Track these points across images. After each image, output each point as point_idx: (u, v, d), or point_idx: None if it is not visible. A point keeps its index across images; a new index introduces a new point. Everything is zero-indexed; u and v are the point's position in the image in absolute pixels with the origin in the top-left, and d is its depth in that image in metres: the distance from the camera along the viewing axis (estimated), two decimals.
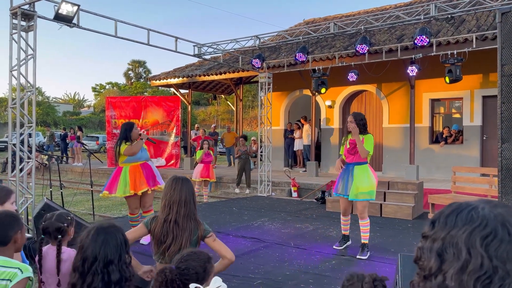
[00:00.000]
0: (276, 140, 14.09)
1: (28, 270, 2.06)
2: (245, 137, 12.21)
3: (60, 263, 2.44)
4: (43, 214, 4.75)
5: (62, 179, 8.89)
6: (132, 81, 50.68)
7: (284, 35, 10.24)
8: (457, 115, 12.42)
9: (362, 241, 5.29)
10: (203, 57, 10.43)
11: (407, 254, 2.56)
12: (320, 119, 14.09)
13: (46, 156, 14.37)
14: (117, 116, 15.65)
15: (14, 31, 5.94)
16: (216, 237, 2.74)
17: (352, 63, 10.43)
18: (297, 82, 13.24)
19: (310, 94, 12.64)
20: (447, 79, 8.89)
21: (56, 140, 20.28)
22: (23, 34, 6.02)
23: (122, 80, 52.91)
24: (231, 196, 11.25)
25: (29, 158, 6.12)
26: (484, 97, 10.99)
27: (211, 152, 10.27)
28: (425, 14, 7.92)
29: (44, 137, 23.38)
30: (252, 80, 16.03)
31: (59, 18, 6.35)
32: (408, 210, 7.63)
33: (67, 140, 18.43)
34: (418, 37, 8.02)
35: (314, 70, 10.73)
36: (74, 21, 6.59)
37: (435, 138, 11.93)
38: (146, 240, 5.35)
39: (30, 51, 6.04)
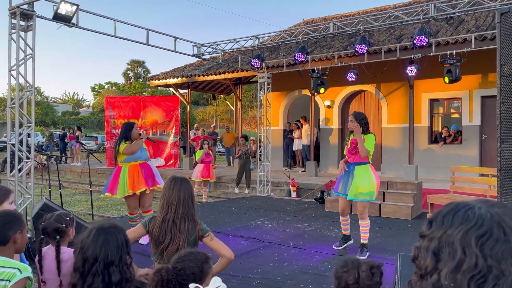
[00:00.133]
0: (275, 140, 14.09)
1: (27, 270, 2.06)
2: (246, 137, 12.21)
3: (59, 264, 2.44)
4: (42, 214, 4.74)
5: (61, 179, 8.89)
6: (131, 81, 50.64)
7: (283, 35, 10.24)
8: (456, 115, 12.43)
9: (362, 241, 5.28)
10: (202, 57, 10.42)
11: (406, 254, 2.57)
12: (319, 119, 14.09)
13: (45, 156, 14.35)
14: (116, 116, 15.64)
15: (13, 31, 5.93)
16: (214, 236, 2.74)
17: (351, 63, 10.43)
18: (296, 82, 13.25)
19: (309, 94, 12.65)
20: (447, 79, 8.90)
21: (55, 140, 20.25)
22: (22, 34, 6.01)
23: (121, 80, 52.94)
24: (230, 196, 11.25)
25: (28, 158, 6.12)
26: (483, 97, 11.00)
27: (210, 152, 10.28)
28: (424, 14, 7.93)
29: (43, 137, 23.35)
30: (251, 80, 16.03)
31: (58, 18, 6.35)
32: (407, 210, 7.64)
33: (66, 140, 18.41)
34: (417, 37, 8.03)
35: (313, 70, 10.73)
36: (73, 21, 6.58)
37: (434, 138, 11.94)
38: (145, 240, 5.35)
39: (29, 51, 6.03)
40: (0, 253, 2.10)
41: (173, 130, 15.56)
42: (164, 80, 15.01)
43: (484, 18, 10.71)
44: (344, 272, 1.81)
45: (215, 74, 13.57)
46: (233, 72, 13.11)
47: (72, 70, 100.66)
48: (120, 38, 7.69)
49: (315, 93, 12.06)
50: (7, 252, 2.14)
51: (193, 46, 9.92)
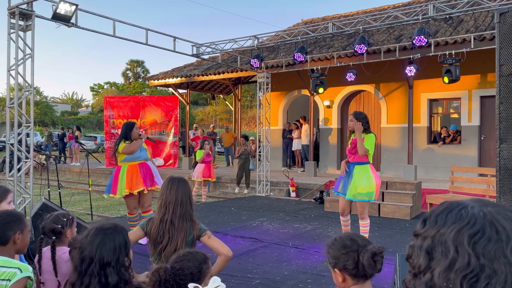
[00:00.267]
0: (275, 140, 14.10)
1: (28, 270, 2.06)
2: (246, 137, 12.21)
3: (55, 264, 2.43)
4: (41, 214, 4.74)
5: (60, 179, 8.88)
6: (131, 81, 50.61)
7: (282, 35, 10.24)
8: (455, 115, 12.44)
9: None
10: (201, 57, 10.42)
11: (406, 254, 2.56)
12: (318, 119, 14.10)
13: (44, 156, 14.34)
14: (115, 116, 15.63)
15: (12, 30, 5.92)
16: (211, 234, 2.73)
17: (351, 63, 10.44)
18: (295, 82, 13.25)
19: (309, 94, 12.65)
20: (446, 79, 8.90)
21: (54, 140, 20.22)
22: (21, 33, 6.01)
23: (120, 80, 52.90)
24: (230, 196, 11.25)
25: (27, 158, 6.11)
26: (482, 97, 11.01)
27: (210, 151, 10.29)
28: (424, 14, 7.93)
29: (42, 137, 23.34)
30: (250, 80, 16.03)
31: (57, 17, 6.34)
32: (406, 210, 7.65)
33: (65, 140, 18.40)
34: (416, 37, 8.03)
35: (312, 70, 10.73)
36: (72, 20, 6.58)
37: (433, 138, 11.95)
38: (144, 240, 5.34)
39: (28, 51, 6.03)
40: (1, 253, 2.10)
41: (172, 130, 15.56)
42: (163, 80, 15.00)
43: (483, 18, 10.72)
44: (343, 254, 1.71)
45: (214, 74, 13.57)
46: (232, 72, 13.11)
47: (71, 70, 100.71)
48: (120, 38, 7.69)
49: (314, 93, 12.06)
50: (7, 252, 2.13)
51: (192, 46, 9.92)
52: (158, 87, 24.62)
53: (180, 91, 16.04)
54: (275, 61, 11.84)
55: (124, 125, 5.77)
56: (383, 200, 8.00)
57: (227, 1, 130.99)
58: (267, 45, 10.86)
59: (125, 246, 1.81)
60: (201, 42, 10.01)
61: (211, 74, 13.66)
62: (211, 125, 19.98)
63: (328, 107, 13.49)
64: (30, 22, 6.00)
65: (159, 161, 15.06)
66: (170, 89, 16.93)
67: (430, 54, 9.30)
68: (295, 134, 14.06)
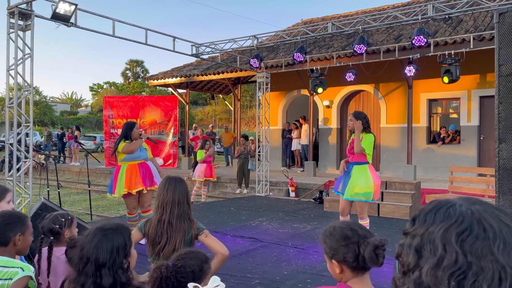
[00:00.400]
0: (274, 140, 14.10)
1: (29, 269, 2.06)
2: (245, 137, 12.22)
3: (50, 265, 2.42)
4: (40, 214, 4.73)
5: (60, 179, 8.87)
6: (130, 80, 50.58)
7: (282, 35, 10.24)
8: (455, 115, 12.46)
9: None
10: (201, 56, 10.42)
11: None
12: (318, 119, 14.10)
13: (43, 156, 14.33)
14: (114, 116, 15.62)
15: (11, 30, 5.92)
16: (209, 233, 2.73)
17: (350, 63, 10.44)
18: (295, 82, 13.25)
19: (308, 94, 12.65)
20: (446, 79, 8.90)
21: (53, 139, 20.21)
22: (20, 33, 6.00)
23: (119, 80, 52.86)
24: (229, 196, 11.25)
25: (26, 157, 6.11)
26: (481, 97, 11.02)
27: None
28: (423, 14, 7.94)
29: (41, 137, 23.32)
30: (250, 80, 16.03)
31: (57, 17, 6.34)
32: (406, 210, 7.65)
33: (64, 140, 18.39)
34: (415, 37, 8.04)
35: (312, 70, 10.74)
36: (72, 20, 6.57)
37: (432, 138, 11.96)
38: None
39: (27, 50, 6.02)
40: (1, 254, 2.10)
41: (172, 130, 15.55)
42: (162, 80, 15.00)
43: (482, 18, 10.72)
44: (343, 245, 1.61)
45: (214, 74, 13.57)
46: (231, 72, 13.10)
47: (71, 69, 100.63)
48: (119, 37, 7.69)
49: (314, 93, 12.06)
50: (8, 253, 2.13)
51: (191, 46, 9.92)
52: (158, 87, 24.61)
53: (180, 91, 16.04)
54: (274, 61, 11.84)
55: (125, 125, 5.78)
56: (382, 200, 8.01)
57: (227, 1, 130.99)
58: (266, 45, 10.86)
59: (124, 247, 1.79)
60: (201, 42, 10.02)
61: (210, 74, 13.66)
62: (210, 125, 19.99)
63: (328, 107, 13.50)
64: (30, 22, 6.00)
65: (159, 161, 15.06)
66: (170, 89, 16.93)
67: (430, 54, 9.30)
68: (294, 134, 14.07)
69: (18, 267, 2.05)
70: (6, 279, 2.01)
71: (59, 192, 7.72)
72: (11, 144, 5.92)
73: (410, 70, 9.73)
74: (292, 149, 14.33)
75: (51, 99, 50.90)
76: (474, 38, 8.88)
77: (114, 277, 1.71)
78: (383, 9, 14.55)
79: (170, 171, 13.01)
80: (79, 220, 5.62)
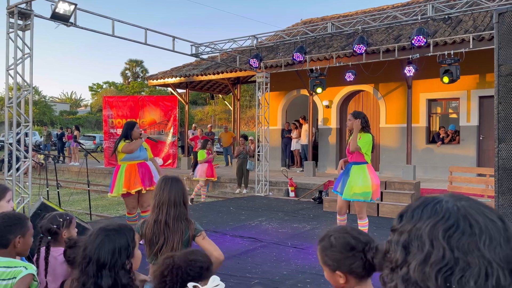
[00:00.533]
0: (274, 140, 14.10)
1: (32, 268, 2.07)
2: (245, 137, 12.21)
3: (47, 265, 2.42)
4: (39, 213, 4.73)
5: (59, 179, 8.87)
6: (129, 80, 50.55)
7: (281, 35, 10.24)
8: (454, 115, 12.46)
9: None
10: (200, 56, 10.42)
11: None
12: (317, 119, 14.10)
13: (43, 156, 14.32)
14: (114, 116, 15.62)
15: (11, 30, 5.92)
16: (206, 236, 2.71)
17: (350, 63, 10.45)
18: (294, 82, 13.25)
19: (308, 94, 12.65)
20: (446, 79, 8.91)
21: (53, 139, 20.20)
22: (19, 33, 6.00)
23: (119, 80, 52.81)
24: (229, 196, 11.25)
25: (25, 157, 6.11)
26: (480, 97, 11.03)
27: (210, 151, 10.36)
28: (422, 14, 7.94)
29: (41, 137, 23.31)
30: (249, 80, 16.03)
31: (56, 17, 6.34)
32: None
33: (64, 140, 18.38)
34: (415, 37, 8.04)
35: (311, 70, 10.74)
36: (71, 20, 6.57)
37: (432, 138, 11.97)
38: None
39: (26, 50, 6.02)
40: (2, 255, 2.10)
41: (171, 130, 15.55)
42: (162, 80, 14.99)
43: (482, 19, 10.73)
44: (349, 256, 1.51)
45: (213, 74, 13.56)
46: (231, 71, 13.10)
47: (70, 69, 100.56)
48: (118, 37, 7.69)
49: (313, 93, 12.07)
50: (8, 255, 2.13)
51: (191, 45, 9.91)
52: (157, 87, 24.60)
53: (179, 90, 16.03)
54: (274, 61, 11.84)
55: (125, 124, 5.79)
56: (382, 200, 8.01)
57: (227, 1, 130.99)
58: (266, 45, 10.86)
59: (127, 248, 1.77)
60: (201, 42, 10.01)
61: (210, 74, 13.66)
62: (209, 125, 19.97)
63: (327, 107, 13.50)
64: (29, 22, 6.00)
65: (158, 161, 15.06)
66: (169, 88, 16.92)
67: (429, 54, 9.31)
68: (294, 134, 14.07)
69: (21, 266, 2.05)
70: (10, 279, 2.01)
71: (58, 192, 7.72)
72: (11, 144, 5.91)
73: (409, 70, 9.73)
74: (292, 149, 14.34)
75: (51, 99, 50.88)
76: (473, 38, 8.89)
77: (115, 279, 1.70)
78: (383, 9, 14.55)
79: (170, 171, 13.01)
80: (78, 220, 5.63)
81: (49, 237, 2.53)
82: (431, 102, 12.02)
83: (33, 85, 6.13)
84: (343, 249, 1.52)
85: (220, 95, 19.70)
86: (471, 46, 8.87)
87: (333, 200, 8.03)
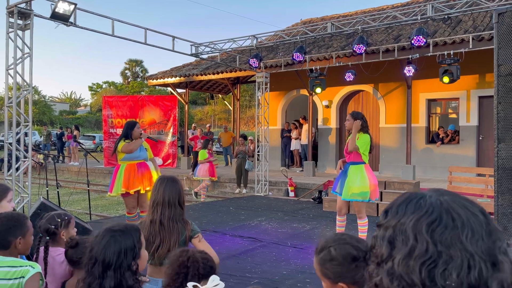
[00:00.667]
0: (273, 140, 14.09)
1: (38, 267, 2.07)
2: (244, 137, 12.21)
3: (47, 265, 2.42)
4: (39, 213, 4.73)
5: (59, 179, 8.87)
6: (129, 80, 50.53)
7: (281, 34, 10.24)
8: (454, 115, 12.47)
9: None
10: (200, 56, 10.42)
11: None
12: (317, 119, 14.10)
13: (42, 155, 14.32)
14: (114, 116, 15.61)
15: (10, 29, 5.92)
16: (202, 237, 2.71)
17: (349, 63, 10.45)
18: (294, 82, 13.25)
19: (307, 94, 12.66)
20: (447, 79, 8.91)
21: (52, 139, 20.19)
22: (19, 32, 6.00)
23: (119, 79, 52.79)
24: (228, 196, 11.25)
25: (25, 157, 6.11)
26: (480, 97, 11.04)
27: (210, 151, 10.43)
28: (422, 14, 7.94)
29: (40, 136, 23.30)
30: (249, 80, 16.02)
31: (56, 16, 6.34)
32: None
33: (63, 139, 18.38)
34: (415, 37, 8.05)
35: (311, 70, 10.74)
36: (71, 20, 6.57)
37: (431, 138, 11.97)
38: None
39: (26, 50, 6.02)
40: (3, 255, 2.10)
41: (171, 130, 15.55)
42: (162, 80, 14.99)
43: (481, 19, 10.74)
44: (353, 268, 1.43)
45: (213, 74, 13.56)
46: (231, 71, 13.10)
47: (70, 69, 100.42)
48: (118, 37, 7.68)
49: (313, 93, 12.07)
50: (10, 255, 2.13)
51: (191, 45, 9.91)
52: (157, 87, 24.61)
53: (179, 90, 16.03)
54: (274, 61, 11.84)
55: (126, 124, 5.80)
56: (381, 200, 8.02)
57: (227, 1, 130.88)
58: (266, 45, 10.86)
59: (133, 249, 1.76)
60: (200, 41, 10.02)
61: (210, 74, 13.66)
62: (207, 125, 19.96)
63: (327, 107, 13.50)
64: (29, 21, 6.00)
65: (158, 160, 15.06)
66: (169, 88, 16.92)
67: (429, 54, 9.32)
68: (293, 134, 14.07)
69: (27, 266, 2.05)
70: (17, 278, 2.01)
71: (58, 191, 7.72)
72: (10, 144, 5.91)
73: (409, 70, 9.74)
74: (291, 149, 14.34)
75: (50, 98, 50.85)
76: (473, 38, 8.89)
77: (120, 280, 1.69)
78: (383, 9, 14.56)
79: (169, 171, 13.02)
80: (78, 220, 5.63)
81: (48, 237, 2.53)
82: (430, 102, 12.03)
83: (33, 85, 6.14)
84: (344, 261, 1.45)
85: (220, 95, 19.69)
86: (470, 46, 8.87)
87: (333, 200, 8.04)
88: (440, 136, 11.67)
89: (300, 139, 13.85)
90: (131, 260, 1.74)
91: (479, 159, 11.14)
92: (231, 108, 17.48)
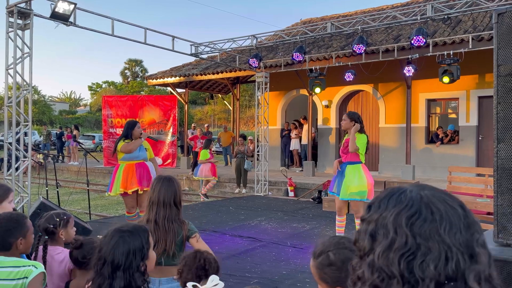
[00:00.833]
0: (273, 140, 14.10)
1: (41, 266, 2.07)
2: (244, 137, 12.21)
3: (45, 264, 2.42)
4: (39, 213, 4.74)
5: (58, 178, 8.86)
6: (129, 80, 50.53)
7: (281, 34, 10.24)
8: (453, 115, 12.47)
9: None
10: (200, 56, 10.42)
11: None
12: (317, 119, 14.10)
13: (42, 155, 14.31)
14: (113, 115, 15.61)
15: (10, 29, 5.92)
16: (200, 237, 2.70)
17: (349, 63, 10.45)
18: (294, 81, 13.25)
19: (307, 94, 12.66)
20: (447, 79, 8.91)
21: (52, 139, 20.18)
22: (19, 32, 6.00)
23: (118, 79, 52.78)
24: (228, 196, 11.25)
25: (25, 157, 6.10)
26: (480, 97, 11.04)
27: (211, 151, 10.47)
28: (422, 14, 7.95)
29: (40, 136, 23.29)
30: (249, 80, 16.03)
31: (56, 16, 6.33)
32: None
33: (63, 139, 18.37)
34: (414, 38, 8.05)
35: (311, 70, 10.74)
36: (71, 19, 6.57)
37: (431, 138, 11.98)
38: None
39: (26, 50, 6.02)
40: (6, 256, 2.11)
41: (171, 130, 15.55)
42: (161, 79, 14.99)
43: (481, 19, 10.74)
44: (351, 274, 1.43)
45: (213, 74, 13.56)
46: (231, 71, 13.10)
47: (70, 69, 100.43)
48: (118, 37, 7.68)
49: (313, 93, 12.08)
50: (11, 255, 2.13)
51: (191, 45, 9.91)
52: (157, 87, 24.62)
53: (179, 90, 16.03)
54: (273, 61, 11.84)
55: (127, 124, 5.79)
56: None
57: (227, 1, 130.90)
58: (265, 45, 10.86)
59: (141, 250, 1.76)
60: (200, 41, 10.02)
61: (209, 74, 13.66)
62: (206, 125, 19.96)
63: (327, 107, 13.50)
64: (29, 21, 6.00)
65: (158, 160, 15.06)
66: (169, 88, 16.92)
67: (429, 54, 9.32)
68: (293, 134, 14.07)
69: (29, 265, 2.05)
70: (20, 279, 2.01)
71: (57, 191, 7.72)
72: (10, 143, 5.91)
73: (409, 70, 9.74)
74: (291, 148, 14.34)
75: (50, 98, 50.85)
76: (473, 38, 8.90)
77: (129, 280, 1.69)
78: (382, 9, 14.56)
79: (169, 171, 13.02)
80: (78, 220, 5.63)
81: (46, 237, 2.53)
82: (430, 102, 12.03)
83: (33, 85, 6.14)
84: (343, 266, 1.43)
85: (220, 95, 19.70)
86: (470, 46, 8.87)
87: (333, 200, 8.04)
88: (440, 136, 11.68)
89: (301, 139, 13.86)
90: (140, 260, 1.74)
91: (478, 159, 11.15)
92: (231, 108, 17.49)
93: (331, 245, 1.48)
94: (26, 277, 2.01)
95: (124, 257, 1.70)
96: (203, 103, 46.58)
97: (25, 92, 6.07)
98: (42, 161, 13.05)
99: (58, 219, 2.60)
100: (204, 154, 10.08)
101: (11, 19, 5.89)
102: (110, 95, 27.25)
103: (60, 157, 18.03)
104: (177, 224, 2.60)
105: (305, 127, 13.69)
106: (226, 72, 13.23)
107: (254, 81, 12.89)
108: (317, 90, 10.75)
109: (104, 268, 1.70)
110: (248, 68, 11.40)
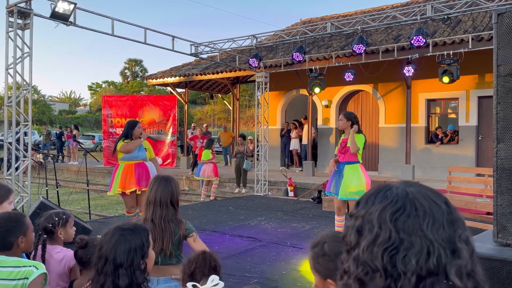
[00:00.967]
0: (273, 140, 14.10)
1: (42, 267, 2.07)
2: (244, 137, 12.21)
3: (44, 263, 2.42)
4: (38, 213, 4.74)
5: (58, 178, 8.86)
6: (129, 80, 50.51)
7: (281, 34, 10.25)
8: (453, 115, 12.47)
9: None
10: (200, 56, 10.42)
11: None
12: (317, 119, 14.10)
13: (42, 155, 14.31)
14: (113, 115, 15.61)
15: (10, 29, 5.92)
16: (198, 237, 2.70)
17: (349, 63, 10.45)
18: (294, 81, 13.26)
19: (307, 94, 12.66)
20: (447, 79, 8.91)
21: (52, 138, 20.18)
22: (19, 32, 6.00)
23: (118, 79, 52.76)
24: (228, 196, 11.25)
25: (24, 156, 6.11)
26: (479, 97, 11.05)
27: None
28: (422, 14, 7.95)
29: (40, 136, 23.29)
30: (249, 80, 16.03)
31: (56, 16, 6.34)
32: None
33: (63, 139, 18.37)
34: (414, 38, 8.05)
35: (311, 70, 10.74)
36: (71, 19, 6.57)
37: (430, 138, 11.98)
38: None
39: (26, 49, 6.02)
40: (8, 255, 2.11)
41: (171, 129, 15.55)
42: (161, 79, 14.99)
43: (481, 19, 10.74)
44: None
45: (213, 73, 13.56)
46: (230, 71, 13.10)
47: (69, 68, 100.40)
48: (118, 37, 7.68)
49: (313, 93, 12.08)
50: (13, 255, 2.14)
51: (190, 45, 9.91)
52: (157, 86, 24.61)
53: (179, 90, 16.03)
54: (273, 61, 11.84)
55: (127, 123, 5.79)
56: None
57: (227, 1, 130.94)
58: (265, 45, 10.86)
59: (142, 248, 1.77)
60: (200, 41, 10.02)
61: (209, 74, 13.66)
62: (205, 125, 19.95)
63: (327, 106, 13.50)
64: (29, 21, 6.00)
65: (158, 160, 15.06)
66: (169, 88, 16.92)
67: (428, 54, 9.32)
68: (293, 133, 14.07)
69: (30, 266, 2.05)
70: (20, 279, 2.01)
71: (57, 191, 7.72)
72: (10, 143, 5.91)
73: (408, 70, 9.74)
74: (290, 148, 14.34)
75: (50, 98, 50.84)
76: (472, 39, 8.90)
77: (131, 278, 1.70)
78: (382, 9, 14.56)
79: (169, 171, 13.02)
80: (77, 219, 5.63)
81: (45, 236, 2.53)
82: (430, 102, 12.03)
83: (33, 84, 6.14)
84: (336, 258, 1.40)
85: (220, 95, 19.70)
86: (470, 47, 8.88)
87: (332, 200, 8.04)
88: (439, 137, 11.68)
89: (301, 139, 13.86)
90: (140, 258, 1.75)
91: (478, 159, 11.15)
92: (231, 108, 17.48)
93: (328, 237, 1.53)
94: (27, 278, 2.01)
95: (125, 255, 1.71)
96: (203, 103, 46.58)
97: (25, 92, 6.07)
98: (42, 161, 13.05)
99: (57, 219, 2.61)
100: (206, 154, 10.07)
101: (11, 19, 5.89)
102: (110, 95, 27.25)
103: (60, 157, 18.03)
104: (174, 224, 2.60)
105: (306, 127, 13.70)
106: (226, 72, 13.23)
107: (254, 81, 12.89)
108: (317, 90, 10.75)
109: (106, 266, 1.71)
110: (248, 68, 11.40)
